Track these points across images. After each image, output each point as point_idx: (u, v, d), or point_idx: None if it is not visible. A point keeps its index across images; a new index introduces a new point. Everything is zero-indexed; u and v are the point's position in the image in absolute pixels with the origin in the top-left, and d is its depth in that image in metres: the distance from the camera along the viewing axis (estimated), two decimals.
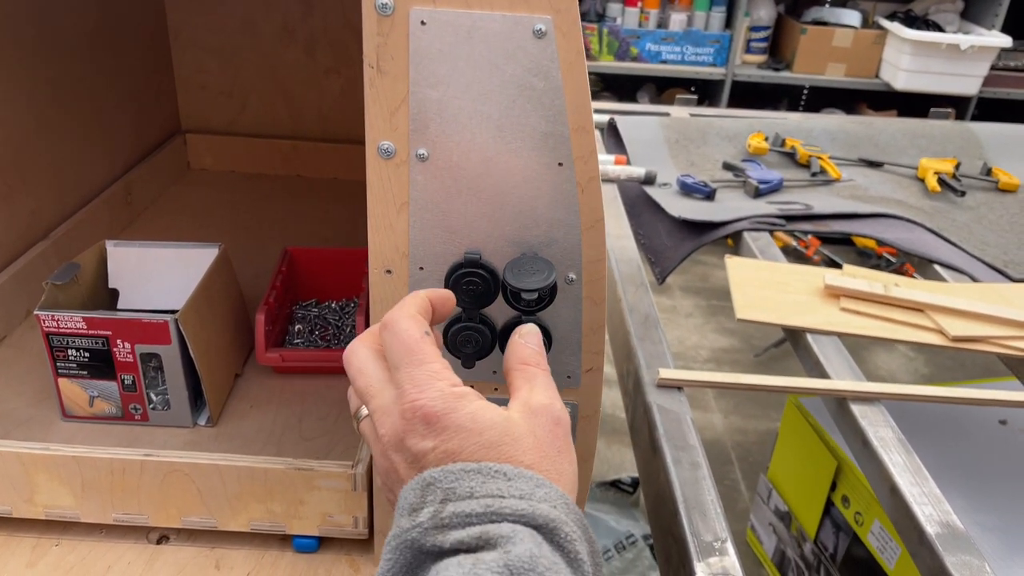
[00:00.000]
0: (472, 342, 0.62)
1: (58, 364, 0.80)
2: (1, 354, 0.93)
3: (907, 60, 3.37)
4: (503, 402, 0.65)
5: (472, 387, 0.65)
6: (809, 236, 3.69)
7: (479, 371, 0.64)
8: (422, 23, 0.52)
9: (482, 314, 0.62)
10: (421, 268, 0.61)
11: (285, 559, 0.74)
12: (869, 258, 3.65)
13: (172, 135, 1.42)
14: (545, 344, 0.62)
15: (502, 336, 0.62)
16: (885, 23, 3.51)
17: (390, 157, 0.57)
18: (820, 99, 3.98)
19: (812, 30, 3.54)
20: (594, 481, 2.24)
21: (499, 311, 0.62)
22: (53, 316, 0.77)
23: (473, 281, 0.59)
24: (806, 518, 1.95)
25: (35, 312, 0.77)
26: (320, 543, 0.75)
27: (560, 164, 0.57)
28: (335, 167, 1.45)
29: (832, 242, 3.67)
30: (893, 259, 3.58)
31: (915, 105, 3.55)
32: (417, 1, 0.52)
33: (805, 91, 4.04)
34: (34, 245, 1.03)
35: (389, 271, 0.61)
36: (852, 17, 3.57)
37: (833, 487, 1.85)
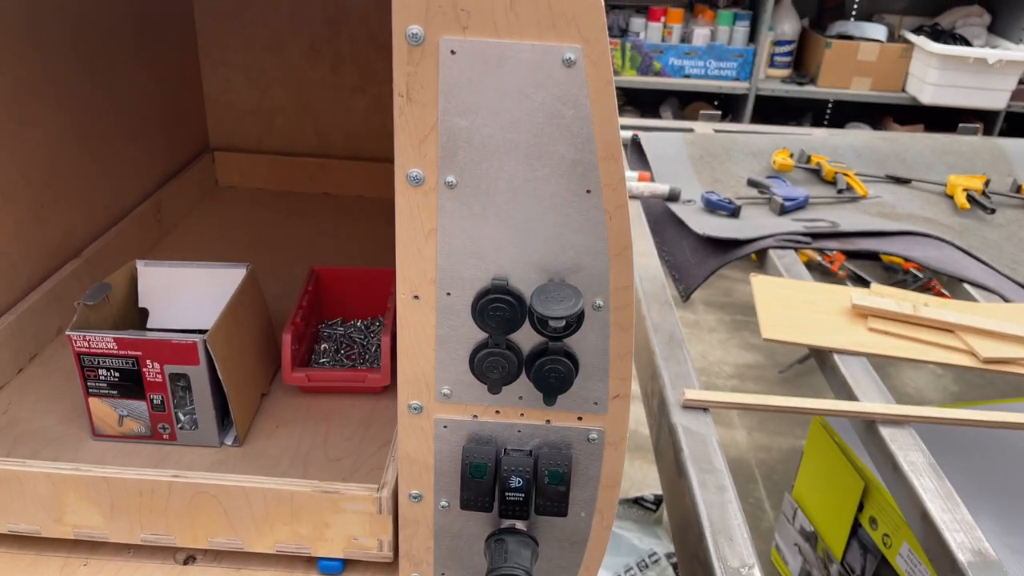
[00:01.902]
0: (499, 368, 0.62)
1: (89, 384, 0.81)
2: (32, 372, 0.94)
3: (934, 74, 3.34)
4: (530, 428, 0.65)
5: (498, 411, 0.65)
6: (835, 252, 3.65)
7: (505, 396, 0.64)
8: (452, 52, 0.53)
9: (509, 340, 0.62)
10: (448, 294, 0.61)
11: None
12: (895, 273, 3.61)
13: (201, 153, 1.44)
14: (571, 373, 0.62)
15: (528, 362, 0.62)
16: (911, 37, 3.48)
17: (419, 184, 0.57)
18: (845, 113, 3.95)
19: (837, 44, 3.52)
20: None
21: (526, 337, 0.62)
22: (85, 336, 0.79)
23: (500, 307, 0.59)
24: (832, 539, 1.92)
25: (67, 332, 0.78)
26: (345, 565, 0.75)
27: (588, 191, 0.57)
28: (361, 185, 1.46)
29: (857, 257, 3.63)
30: (920, 275, 3.53)
31: (942, 119, 3.52)
32: (448, 31, 0.52)
33: (830, 105, 4.01)
34: (66, 263, 1.04)
35: (417, 296, 0.61)
36: (878, 31, 3.54)
37: (860, 508, 1.82)
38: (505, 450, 0.66)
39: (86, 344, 0.79)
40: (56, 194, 1.02)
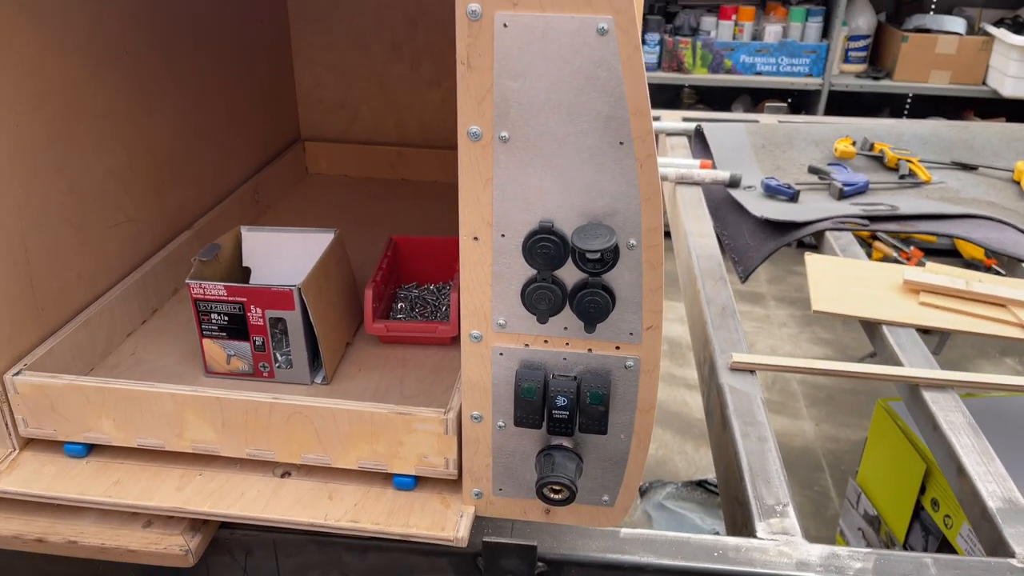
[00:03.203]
0: (546, 299, 0.72)
1: (203, 327, 0.95)
2: (154, 323, 1.10)
3: (1015, 67, 3.27)
4: (574, 356, 0.75)
5: (546, 340, 0.75)
6: (911, 248, 3.60)
7: (552, 327, 0.74)
8: (504, 25, 0.63)
9: (554, 275, 0.72)
10: (503, 235, 0.72)
11: (387, 495, 0.86)
12: (977, 270, 3.53)
13: (293, 143, 1.60)
14: (609, 305, 0.72)
15: (571, 295, 0.72)
16: (992, 29, 3.41)
17: (477, 140, 0.68)
18: (924, 107, 3.89)
19: (914, 37, 3.48)
20: (680, 480, 2.29)
21: (569, 275, 0.72)
22: (201, 285, 0.93)
23: (546, 245, 0.70)
24: (895, 522, 1.94)
25: (187, 281, 0.93)
26: (416, 482, 0.86)
27: (621, 143, 0.67)
28: (435, 171, 1.59)
29: (936, 253, 3.57)
30: (1002, 271, 3.44)
31: None
32: (501, 7, 0.63)
33: (909, 99, 3.95)
34: (180, 233, 1.20)
35: (476, 238, 0.72)
36: (956, 24, 3.49)
37: (922, 490, 1.84)
38: (552, 375, 0.76)
39: (202, 291, 0.93)
40: (174, 173, 1.18)
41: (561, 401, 0.75)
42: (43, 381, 0.86)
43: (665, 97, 3.92)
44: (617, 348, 0.75)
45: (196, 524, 0.85)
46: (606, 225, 0.69)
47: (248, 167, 1.43)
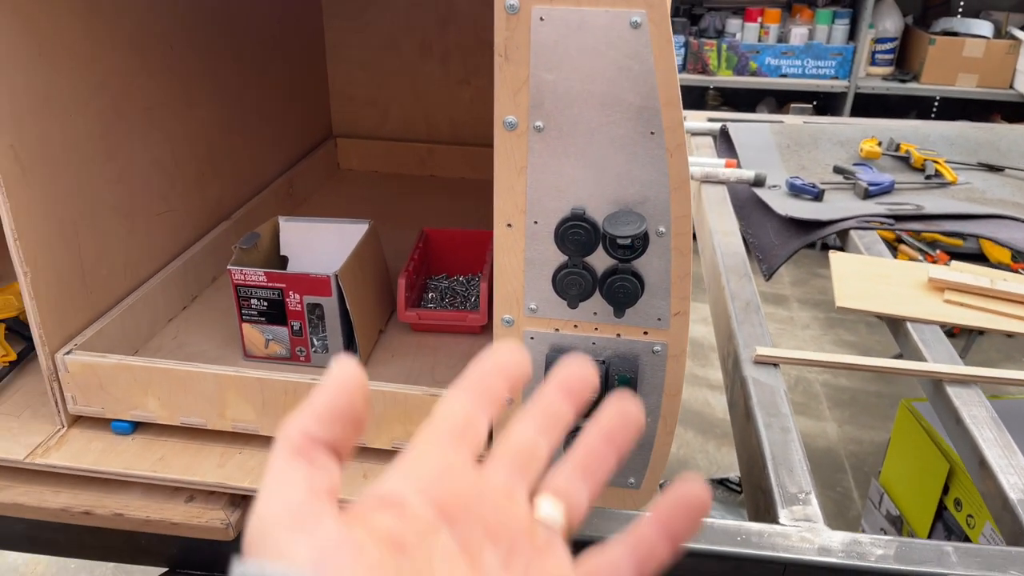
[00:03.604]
0: (576, 285, 0.74)
1: (243, 311, 0.98)
2: (194, 309, 1.13)
3: None
4: (603, 341, 0.77)
5: (576, 325, 0.78)
6: (938, 252, 3.58)
7: (582, 311, 0.77)
8: (541, 19, 0.66)
9: (585, 262, 0.74)
10: (536, 222, 0.74)
11: None
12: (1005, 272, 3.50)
13: (325, 139, 1.63)
14: (638, 290, 0.74)
15: (601, 281, 0.75)
16: (1019, 33, 3.39)
17: (513, 129, 0.71)
18: (951, 110, 3.87)
19: (941, 40, 3.47)
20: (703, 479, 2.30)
21: (600, 261, 0.75)
22: (242, 271, 0.96)
23: (578, 232, 0.72)
24: (918, 522, 1.94)
25: (228, 267, 0.96)
26: None
27: (652, 133, 0.69)
28: (464, 168, 1.62)
29: (962, 257, 3.55)
30: None
31: None
32: (538, 1, 0.65)
33: (936, 103, 3.93)
34: (219, 224, 1.24)
35: (510, 225, 0.75)
36: (983, 27, 3.47)
37: (945, 491, 1.84)
38: None
39: (242, 277, 0.96)
40: (213, 165, 1.22)
41: None
42: (93, 360, 0.90)
43: (690, 99, 3.93)
44: (645, 333, 0.77)
45: (236, 499, 0.89)
46: (636, 212, 0.71)
47: (283, 162, 1.47)
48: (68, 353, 0.90)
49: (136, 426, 0.93)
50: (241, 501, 0.89)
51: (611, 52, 0.67)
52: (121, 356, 0.91)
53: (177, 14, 1.09)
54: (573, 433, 0.81)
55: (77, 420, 0.94)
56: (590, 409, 0.79)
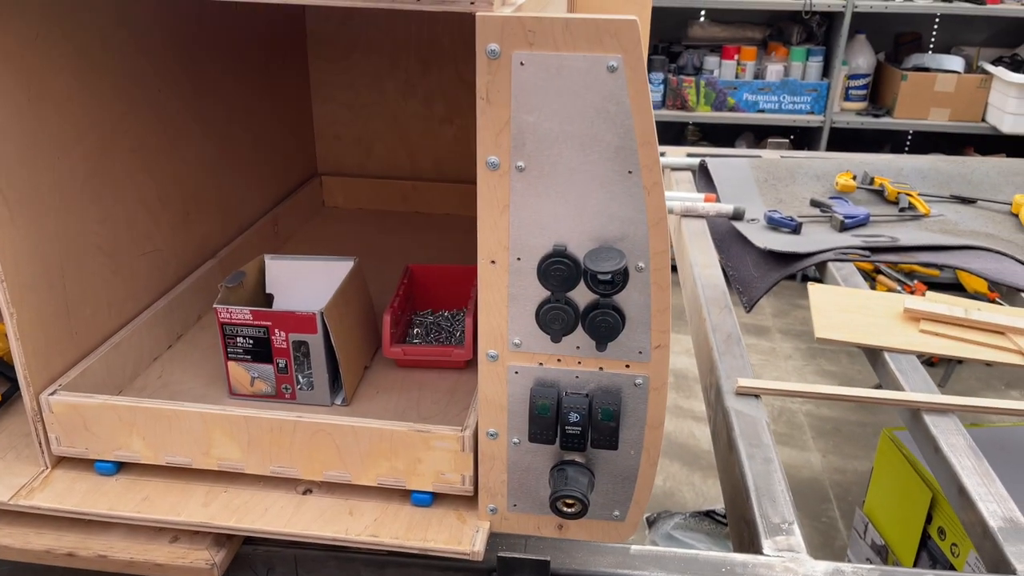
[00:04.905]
0: (559, 320, 0.76)
1: (228, 349, 0.99)
2: (179, 348, 1.14)
3: (1014, 104, 3.34)
4: (586, 374, 0.78)
5: (559, 359, 0.79)
6: (915, 282, 3.64)
7: (565, 345, 0.78)
8: (521, 63, 0.68)
9: (567, 297, 0.76)
10: (518, 259, 0.76)
11: (405, 511, 0.89)
12: (980, 302, 3.55)
13: (310, 177, 1.65)
14: (619, 324, 0.75)
15: (583, 315, 0.76)
16: (990, 68, 3.49)
17: (496, 169, 0.73)
18: (924, 144, 3.95)
19: (913, 76, 3.56)
20: (688, 511, 2.30)
21: (581, 296, 0.76)
22: (227, 309, 0.97)
23: (559, 268, 0.74)
24: (902, 551, 1.95)
25: (214, 306, 0.97)
26: (434, 498, 0.90)
27: (630, 172, 0.71)
28: (449, 204, 1.64)
29: (939, 287, 3.60)
30: (1003, 303, 3.47)
31: None
32: (518, 47, 0.68)
33: (909, 136, 4.02)
34: (204, 262, 1.24)
35: (494, 261, 0.76)
36: (955, 63, 3.57)
37: (929, 520, 1.85)
38: (566, 392, 0.80)
39: (228, 315, 0.97)
40: (199, 205, 1.23)
41: (574, 417, 0.79)
42: (77, 400, 0.90)
43: (670, 135, 3.99)
44: (627, 366, 0.79)
45: (221, 539, 0.88)
46: (616, 248, 0.73)
47: (268, 200, 1.48)
48: (52, 393, 0.90)
49: (120, 466, 0.93)
50: (226, 541, 0.89)
51: (589, 95, 0.69)
52: (106, 396, 0.91)
53: (164, 57, 1.11)
54: (558, 466, 0.82)
55: (60, 461, 0.94)
56: (579, 443, 0.80)
